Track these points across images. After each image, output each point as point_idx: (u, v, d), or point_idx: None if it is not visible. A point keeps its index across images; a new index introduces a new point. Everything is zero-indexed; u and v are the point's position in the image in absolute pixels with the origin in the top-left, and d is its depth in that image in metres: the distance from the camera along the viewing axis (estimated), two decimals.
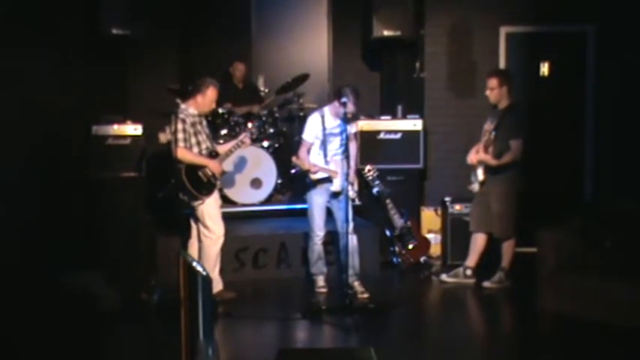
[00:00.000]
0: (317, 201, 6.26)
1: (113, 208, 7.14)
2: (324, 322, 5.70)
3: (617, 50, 7.53)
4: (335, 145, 6.16)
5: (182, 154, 5.85)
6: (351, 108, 6.03)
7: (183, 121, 5.87)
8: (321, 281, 6.42)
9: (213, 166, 5.99)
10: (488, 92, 6.43)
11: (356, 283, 6.25)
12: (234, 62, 8.35)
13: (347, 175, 6.01)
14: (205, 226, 6.00)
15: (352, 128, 6.34)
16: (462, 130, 7.44)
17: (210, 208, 6.00)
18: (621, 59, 7.51)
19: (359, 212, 6.85)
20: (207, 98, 6.01)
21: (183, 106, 5.97)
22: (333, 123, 6.13)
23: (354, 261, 6.17)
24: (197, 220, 6.06)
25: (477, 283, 6.60)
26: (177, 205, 5.92)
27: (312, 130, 6.19)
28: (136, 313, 5.74)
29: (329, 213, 6.32)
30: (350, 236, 6.04)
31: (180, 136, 5.84)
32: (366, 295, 6.22)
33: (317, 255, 6.35)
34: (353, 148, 6.37)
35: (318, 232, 6.28)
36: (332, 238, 6.53)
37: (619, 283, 5.07)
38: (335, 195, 6.19)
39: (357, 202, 6.31)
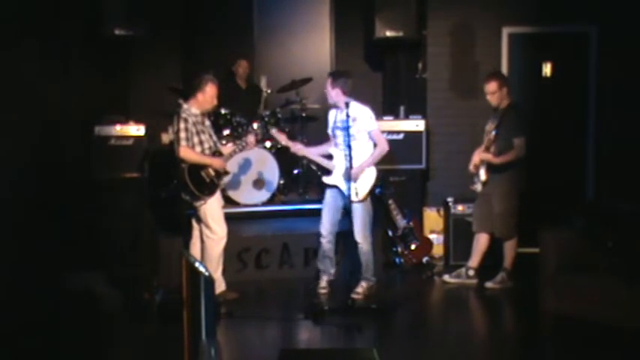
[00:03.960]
0: (326, 200, 6.29)
1: (115, 209, 7.14)
2: (327, 323, 5.68)
3: (619, 50, 7.52)
4: (341, 139, 6.15)
5: (184, 153, 5.85)
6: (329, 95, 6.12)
7: (186, 121, 5.86)
8: (323, 282, 6.40)
9: (216, 163, 5.97)
10: (489, 97, 6.43)
11: (363, 284, 6.25)
12: (237, 60, 8.36)
13: (349, 173, 5.96)
14: (208, 227, 6.00)
15: (371, 126, 6.15)
16: (465, 131, 7.46)
17: (212, 209, 5.99)
18: (623, 59, 7.50)
19: None
20: (208, 95, 6.00)
21: (185, 105, 5.96)
22: (341, 116, 6.11)
23: (368, 264, 6.21)
24: (199, 220, 6.06)
25: (479, 283, 6.60)
26: (180, 206, 5.92)
27: (328, 122, 6.32)
28: (138, 314, 5.74)
29: (347, 214, 6.20)
30: (360, 244, 6.10)
31: (182, 135, 5.84)
32: (365, 295, 6.21)
33: (322, 253, 6.35)
34: (371, 147, 6.19)
35: (322, 231, 6.27)
36: (339, 240, 6.47)
37: (621, 283, 5.07)
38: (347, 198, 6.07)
39: (357, 198, 6.18)
